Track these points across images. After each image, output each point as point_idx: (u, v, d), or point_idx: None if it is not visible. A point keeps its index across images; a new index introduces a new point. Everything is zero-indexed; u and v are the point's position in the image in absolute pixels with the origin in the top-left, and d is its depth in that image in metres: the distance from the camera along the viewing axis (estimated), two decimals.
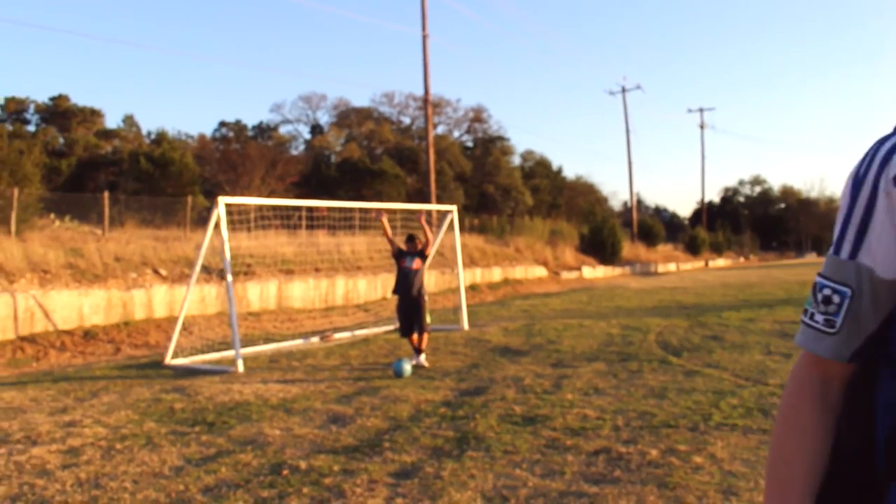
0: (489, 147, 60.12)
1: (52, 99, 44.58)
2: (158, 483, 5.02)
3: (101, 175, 37.51)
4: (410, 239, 10.57)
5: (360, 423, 6.66)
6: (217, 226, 10.61)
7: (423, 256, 10.53)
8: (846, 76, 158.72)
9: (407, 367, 8.56)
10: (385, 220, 10.86)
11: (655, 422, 6.27)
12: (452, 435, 6.07)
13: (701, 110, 69.53)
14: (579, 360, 9.92)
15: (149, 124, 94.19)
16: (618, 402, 7.12)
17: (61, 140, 42.39)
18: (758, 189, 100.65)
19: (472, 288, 25.57)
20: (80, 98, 62.83)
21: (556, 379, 8.56)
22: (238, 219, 13.11)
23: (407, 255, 10.36)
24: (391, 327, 14.42)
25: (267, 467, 5.30)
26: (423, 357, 9.97)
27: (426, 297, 10.27)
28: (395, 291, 10.42)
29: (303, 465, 5.33)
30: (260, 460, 5.50)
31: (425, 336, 10.17)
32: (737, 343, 11.06)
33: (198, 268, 11.30)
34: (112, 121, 62.46)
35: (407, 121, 63.09)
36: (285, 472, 5.17)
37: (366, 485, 4.82)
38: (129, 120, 49.63)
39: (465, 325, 14.55)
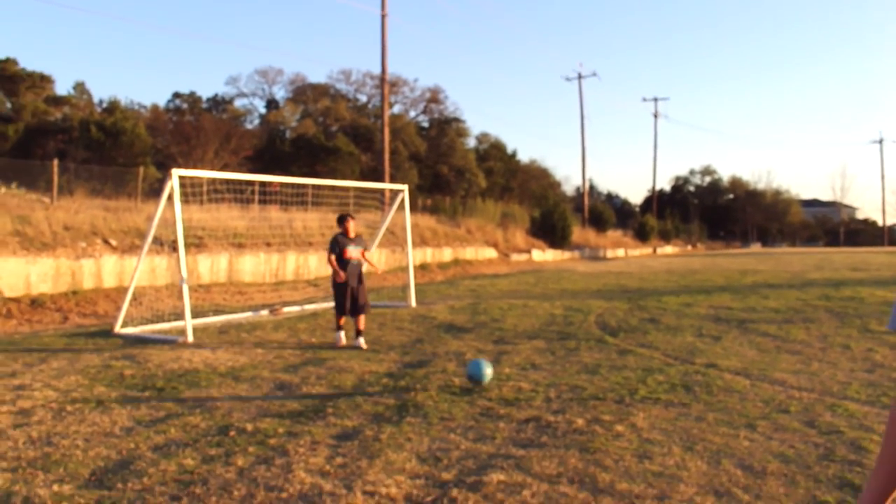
0: (445, 128, 60.32)
1: (0, 62, 43.51)
2: (109, 441, 5.25)
3: (50, 142, 36.82)
4: (342, 219, 10.27)
5: (306, 390, 6.95)
6: (170, 198, 10.74)
7: (365, 247, 10.35)
8: (794, 71, 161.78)
9: (489, 371, 6.88)
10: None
11: (585, 395, 6.67)
12: (393, 403, 6.40)
13: (655, 100, 70.84)
14: (520, 338, 10.31)
15: (100, 92, 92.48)
16: (552, 377, 7.51)
17: (8, 105, 41.45)
18: (708, 179, 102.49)
19: (423, 267, 25.90)
20: (29, 63, 61.51)
21: (496, 354, 8.93)
22: (191, 191, 13.21)
23: (350, 245, 10.07)
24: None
25: (214, 429, 5.57)
26: (362, 339, 9.80)
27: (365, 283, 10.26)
28: (333, 281, 10.05)
29: (249, 427, 5.60)
30: (208, 422, 5.76)
31: (363, 318, 10.00)
32: (671, 325, 11.55)
33: (149, 239, 11.42)
34: (62, 87, 61.17)
35: (363, 99, 63.03)
36: (232, 433, 5.44)
37: (308, 445, 5.12)
38: (79, 87, 48.68)
39: (413, 303, 14.87)
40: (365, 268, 10.30)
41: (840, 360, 8.44)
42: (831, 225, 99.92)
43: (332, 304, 11.04)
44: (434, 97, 63.19)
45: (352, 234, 10.17)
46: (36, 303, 13.47)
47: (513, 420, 5.81)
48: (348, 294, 9.87)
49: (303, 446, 5.10)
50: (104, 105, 46.81)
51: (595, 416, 5.89)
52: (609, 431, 5.46)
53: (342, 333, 9.97)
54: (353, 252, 10.03)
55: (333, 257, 9.95)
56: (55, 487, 4.29)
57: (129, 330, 11.16)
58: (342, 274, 9.83)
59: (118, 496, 4.16)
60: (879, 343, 9.55)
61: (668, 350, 9.25)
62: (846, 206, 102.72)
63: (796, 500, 4.10)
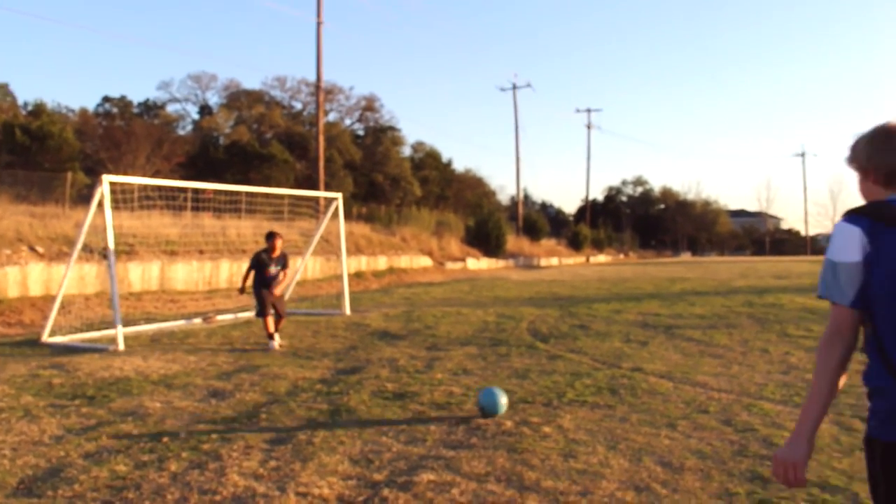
0: (380, 137, 60.36)
1: None
2: (38, 450, 5.22)
3: None
4: (270, 236, 10.61)
5: (239, 397, 6.98)
6: (100, 204, 10.61)
7: (286, 265, 10.72)
8: (723, 84, 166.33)
9: (504, 401, 6.19)
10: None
11: (514, 398, 6.85)
12: (326, 408, 6.48)
13: (588, 111, 71.85)
14: (453, 345, 10.48)
15: (25, 95, 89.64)
16: (483, 382, 7.67)
17: None
18: (640, 189, 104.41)
19: (358, 275, 25.90)
20: None
21: (428, 360, 9.07)
22: (122, 198, 13.03)
23: (271, 264, 10.46)
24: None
25: (147, 436, 5.57)
26: (276, 342, 10.25)
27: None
28: (255, 288, 10.48)
29: (182, 433, 5.63)
30: (140, 429, 5.76)
31: (282, 321, 10.70)
32: (601, 331, 11.86)
33: (79, 246, 11.25)
34: None
35: (298, 106, 62.64)
36: (165, 439, 5.46)
37: (242, 450, 5.18)
38: (2, 89, 47.33)
39: (348, 311, 14.92)
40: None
41: (759, 363, 8.81)
42: (758, 235, 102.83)
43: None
44: (370, 105, 63.25)
45: (276, 253, 10.54)
46: None
47: (444, 423, 5.95)
48: (269, 301, 10.34)
49: (236, 451, 5.16)
50: (29, 108, 45.56)
51: (524, 419, 6.08)
52: (536, 433, 5.64)
53: (275, 342, 10.21)
54: (272, 270, 10.47)
55: (252, 273, 10.45)
56: None
57: (58, 339, 10.96)
58: (244, 289, 10.52)
59: (48, 503, 4.16)
60: (796, 347, 9.99)
61: (597, 355, 9.51)
62: (771, 217, 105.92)
63: (710, 492, 4.33)
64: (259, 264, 10.42)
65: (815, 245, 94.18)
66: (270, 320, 10.30)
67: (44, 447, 5.29)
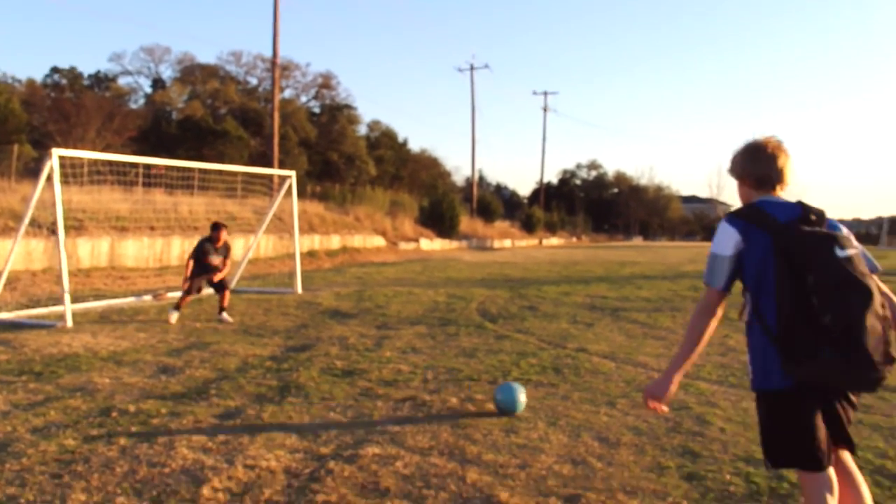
0: (336, 115, 60.07)
1: None
2: None
3: None
4: (216, 227, 11.07)
5: (189, 373, 7.05)
6: (49, 178, 10.49)
7: (227, 254, 11.19)
8: (676, 70, 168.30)
9: (522, 399, 5.75)
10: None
11: (460, 376, 7.03)
12: (276, 384, 6.59)
13: (545, 93, 71.98)
14: (403, 324, 10.62)
15: None
16: (431, 360, 7.84)
17: None
18: (594, 173, 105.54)
19: (310, 254, 25.89)
20: None
21: (378, 339, 9.21)
22: (71, 172, 12.89)
23: (213, 253, 10.95)
24: None
25: (96, 411, 5.63)
26: (225, 314, 10.80)
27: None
28: (194, 274, 10.91)
29: (132, 408, 5.69)
30: (89, 405, 5.80)
31: (227, 294, 11.03)
32: (549, 313, 12.10)
33: (26, 221, 11.11)
34: None
35: (254, 82, 62.00)
36: (114, 414, 5.52)
37: (191, 424, 5.27)
38: None
39: (299, 289, 14.97)
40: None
41: None
42: (708, 221, 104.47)
43: (213, 290, 11.53)
44: (326, 83, 62.85)
45: (219, 244, 11.03)
46: None
47: (391, 399, 6.10)
48: (197, 286, 10.94)
49: (185, 425, 5.25)
50: None
51: (468, 396, 6.26)
52: (480, 409, 5.82)
53: (176, 314, 10.66)
54: (214, 259, 10.95)
55: (192, 262, 10.88)
56: None
57: (3, 315, 10.85)
58: (188, 283, 10.79)
59: None
60: (735, 330, 10.30)
61: (543, 336, 9.74)
62: (721, 203, 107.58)
63: (643, 466, 4.56)
64: (202, 252, 10.89)
65: None
66: (189, 299, 11.00)
67: None
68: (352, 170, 55.24)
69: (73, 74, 53.88)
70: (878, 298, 2.70)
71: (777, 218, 2.91)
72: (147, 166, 21.18)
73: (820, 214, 2.93)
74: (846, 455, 3.01)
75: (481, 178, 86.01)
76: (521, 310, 12.51)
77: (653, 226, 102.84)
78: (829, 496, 2.87)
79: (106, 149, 31.56)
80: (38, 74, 69.20)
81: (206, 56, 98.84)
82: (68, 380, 6.70)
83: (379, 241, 34.16)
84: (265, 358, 7.87)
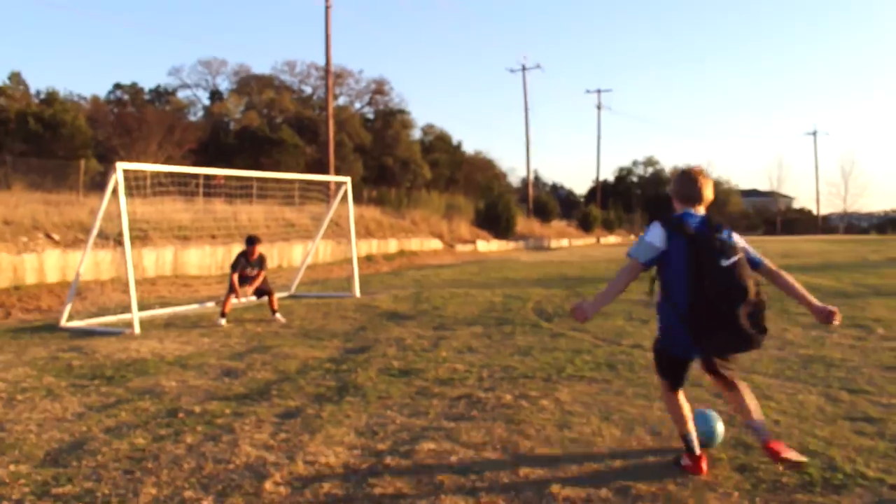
0: (390, 120, 60.44)
1: None
2: (62, 426, 5.52)
3: None
4: (250, 241, 11.60)
5: (251, 375, 7.28)
6: (115, 191, 10.88)
7: (262, 266, 11.73)
8: (734, 62, 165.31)
9: (720, 429, 4.87)
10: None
11: (515, 374, 7.13)
12: (334, 385, 6.77)
13: (599, 91, 71.62)
14: (460, 324, 10.75)
15: (37, 83, 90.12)
16: (486, 359, 7.95)
17: None
18: (650, 170, 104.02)
19: (368, 258, 26.21)
20: None
21: (435, 339, 9.35)
22: (135, 185, 13.33)
23: (248, 266, 11.53)
24: (284, 294, 14.96)
25: (164, 412, 5.87)
26: (278, 315, 11.48)
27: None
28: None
29: (197, 409, 5.93)
30: (157, 406, 6.06)
31: (273, 297, 11.62)
32: (604, 310, 11.90)
33: (94, 233, 11.54)
34: None
35: (308, 90, 62.77)
36: (181, 415, 5.76)
37: (254, 424, 5.47)
38: (15, 77, 47.55)
39: (357, 293, 15.21)
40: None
41: None
42: (769, 214, 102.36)
43: (276, 295, 12.08)
44: (379, 89, 63.29)
45: (254, 257, 11.59)
46: None
47: (446, 397, 6.23)
48: (238, 290, 11.46)
49: (248, 424, 5.45)
50: (42, 96, 45.89)
51: (523, 393, 6.35)
52: (534, 405, 5.91)
53: (223, 320, 11.20)
54: (249, 272, 11.55)
55: (235, 276, 11.36)
56: (12, 467, 4.57)
57: (75, 323, 11.28)
58: (238, 291, 11.40)
59: (73, 473, 4.46)
60: (793, 324, 10.21)
61: (599, 333, 9.77)
62: (783, 196, 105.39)
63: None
64: (238, 266, 11.50)
65: (826, 224, 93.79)
66: (231, 302, 11.56)
67: (67, 423, 5.59)
68: (407, 174, 55.57)
69: (134, 90, 55.35)
70: (752, 290, 3.91)
71: (690, 226, 4.11)
72: (207, 177, 21.72)
73: (718, 226, 4.15)
74: (735, 383, 4.35)
75: (537, 178, 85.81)
76: None
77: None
78: (675, 400, 4.43)
79: (167, 161, 32.41)
80: (102, 91, 71.45)
81: (261, 67, 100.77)
82: (137, 383, 6.98)
83: (436, 244, 34.37)
84: (324, 360, 8.07)
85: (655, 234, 4.16)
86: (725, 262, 3.93)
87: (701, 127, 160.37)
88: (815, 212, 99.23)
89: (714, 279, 3.90)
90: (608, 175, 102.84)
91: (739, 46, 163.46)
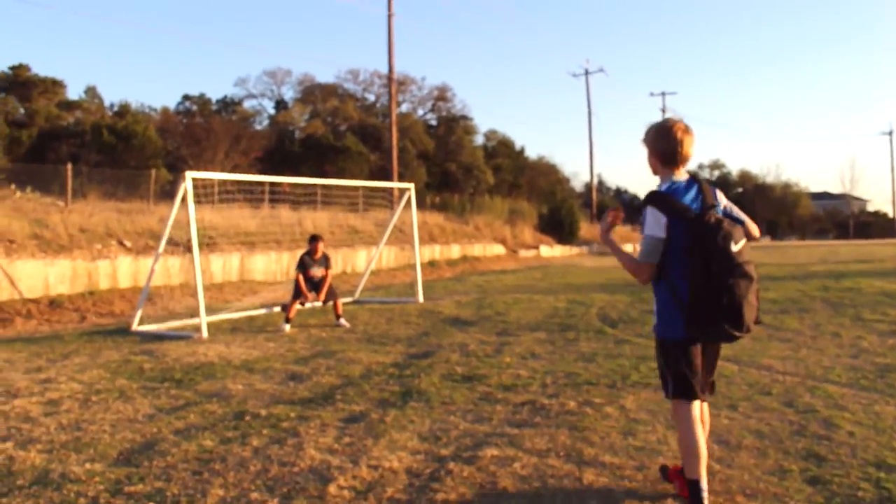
0: (452, 126, 60.64)
1: (12, 68, 43.95)
2: (134, 427, 5.66)
3: (63, 146, 37.41)
4: (313, 239, 11.86)
5: (316, 380, 7.36)
6: (184, 199, 11.15)
7: (328, 265, 11.94)
8: (803, 63, 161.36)
9: None
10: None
11: (579, 380, 7.05)
12: (398, 389, 6.80)
13: (663, 94, 70.52)
14: (523, 330, 10.69)
15: (111, 96, 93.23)
16: (550, 365, 7.89)
17: (21, 110, 42.08)
18: (717, 173, 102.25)
19: (431, 264, 26.29)
20: (42, 68, 62.33)
21: (498, 345, 9.32)
22: (202, 192, 13.63)
23: (314, 265, 11.73)
24: (349, 299, 15.09)
25: (231, 415, 5.98)
26: (342, 320, 11.65)
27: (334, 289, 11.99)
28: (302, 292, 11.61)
29: (263, 412, 6.01)
30: (224, 409, 6.17)
31: (338, 301, 11.79)
32: None
33: (164, 240, 11.83)
34: (74, 92, 61.71)
35: (371, 98, 63.37)
36: (247, 418, 5.85)
37: (318, 427, 5.53)
38: (91, 91, 49.31)
39: (421, 298, 15.27)
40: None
41: (828, 346, 8.78)
42: (841, 217, 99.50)
43: (341, 300, 12.21)
44: (442, 95, 63.56)
45: (318, 255, 11.76)
46: (54, 303, 13.91)
47: (509, 403, 6.20)
48: (306, 294, 11.56)
49: (313, 428, 5.51)
50: (115, 109, 47.43)
51: (587, 399, 6.28)
52: (599, 412, 5.84)
53: (288, 325, 11.25)
54: (315, 272, 11.74)
55: (301, 276, 11.54)
56: (87, 466, 4.71)
57: (146, 327, 11.58)
58: (308, 296, 11.56)
59: (145, 472, 4.57)
60: (869, 331, 9.89)
61: None
62: (856, 199, 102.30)
63: (764, 469, 4.47)
64: (303, 266, 11.63)
65: None
66: (295, 308, 11.53)
67: (138, 424, 5.73)
68: (470, 180, 55.65)
69: (202, 100, 56.65)
70: (756, 282, 3.66)
71: (689, 207, 3.75)
72: (273, 184, 22.07)
73: (714, 195, 3.85)
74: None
75: (600, 183, 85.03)
76: (643, 314, 12.33)
77: (781, 225, 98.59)
78: (697, 425, 3.88)
79: (234, 169, 33.11)
80: (171, 102, 73.20)
81: (324, 76, 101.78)
82: (205, 386, 7.12)
83: (499, 250, 34.32)
84: (388, 365, 8.12)
85: (655, 225, 3.76)
86: (734, 248, 3.60)
87: (769, 128, 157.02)
88: (890, 214, 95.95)
89: (722, 267, 3.58)
90: None
91: (809, 45, 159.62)
